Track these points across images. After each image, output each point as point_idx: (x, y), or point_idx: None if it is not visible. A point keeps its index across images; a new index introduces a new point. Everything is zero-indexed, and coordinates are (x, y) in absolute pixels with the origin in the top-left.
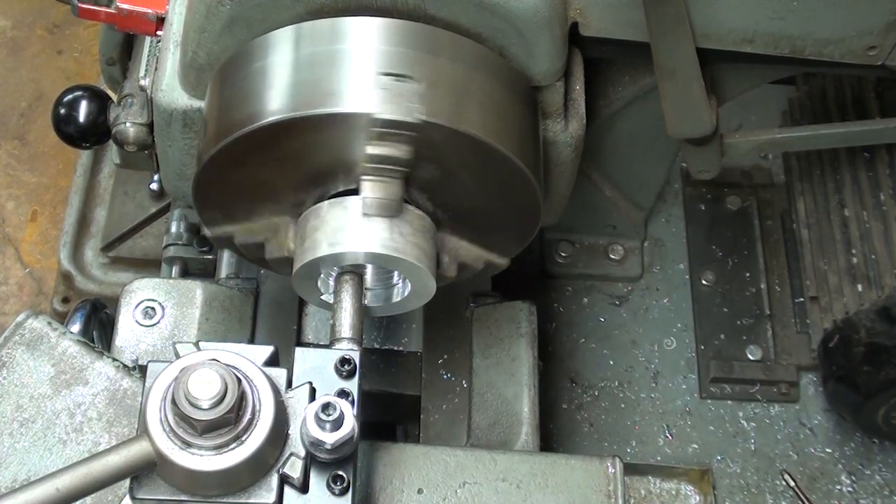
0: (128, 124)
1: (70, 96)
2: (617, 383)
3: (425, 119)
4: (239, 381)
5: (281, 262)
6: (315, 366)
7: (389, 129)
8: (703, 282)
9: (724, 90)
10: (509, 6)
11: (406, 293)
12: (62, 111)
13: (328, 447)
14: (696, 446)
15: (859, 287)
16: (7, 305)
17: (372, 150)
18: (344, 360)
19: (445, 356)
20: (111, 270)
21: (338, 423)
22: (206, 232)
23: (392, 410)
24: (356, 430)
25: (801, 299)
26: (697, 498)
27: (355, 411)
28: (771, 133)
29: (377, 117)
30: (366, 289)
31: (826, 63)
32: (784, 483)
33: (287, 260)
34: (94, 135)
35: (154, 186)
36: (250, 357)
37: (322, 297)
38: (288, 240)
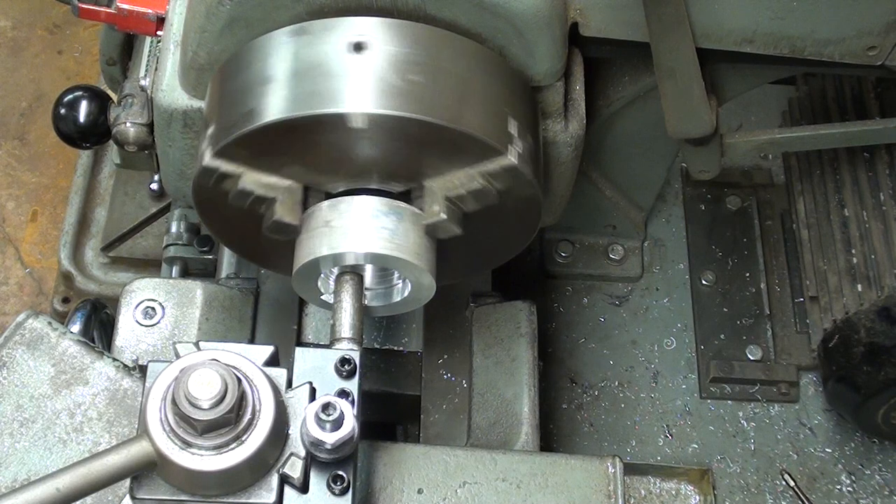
0: (128, 124)
1: (70, 96)
2: (617, 383)
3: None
4: (239, 381)
5: (284, 266)
6: (315, 366)
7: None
8: (703, 282)
9: (724, 90)
10: (509, 6)
11: (406, 293)
12: (62, 111)
13: (328, 447)
14: (696, 446)
15: (859, 287)
16: (7, 305)
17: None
18: (344, 360)
19: (445, 356)
20: (111, 270)
21: (338, 423)
22: (215, 237)
23: (392, 410)
24: (356, 430)
25: (801, 299)
26: (697, 498)
27: (355, 411)
28: (771, 133)
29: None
30: (366, 289)
31: (826, 63)
32: (784, 483)
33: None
34: (94, 135)
35: (154, 186)
36: (250, 357)
37: (322, 297)
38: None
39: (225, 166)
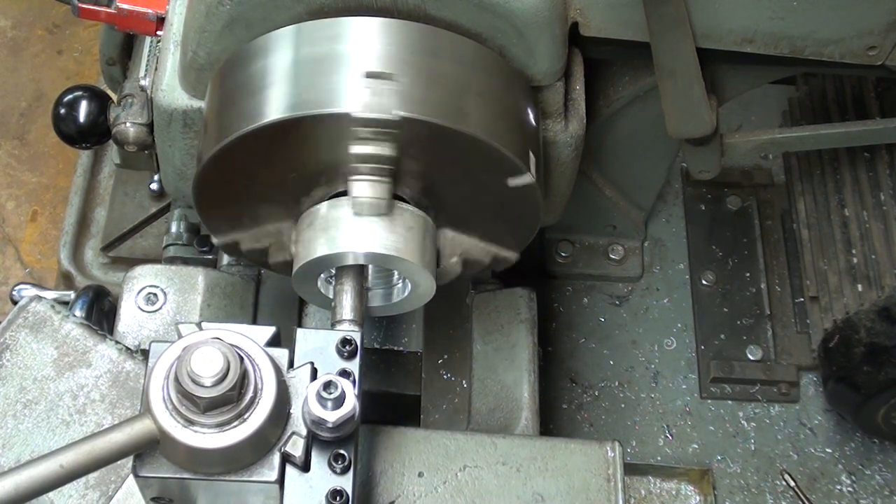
0: (128, 124)
1: (70, 96)
2: (617, 383)
3: (412, 117)
4: (241, 359)
5: (284, 266)
6: (316, 346)
7: (379, 129)
8: (703, 282)
9: (724, 90)
10: (509, 6)
11: (406, 293)
12: (62, 111)
13: (330, 425)
14: (696, 446)
15: (859, 287)
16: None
17: (358, 149)
18: (345, 341)
19: (445, 356)
20: (111, 270)
21: (339, 402)
22: (215, 240)
23: (392, 410)
24: (357, 409)
25: (801, 299)
26: (697, 498)
27: (356, 390)
28: (771, 133)
29: (362, 116)
30: (366, 289)
31: (826, 63)
32: (784, 483)
33: (290, 264)
34: (94, 135)
35: (154, 186)
36: (252, 337)
37: (322, 296)
38: (291, 244)
39: (225, 239)
